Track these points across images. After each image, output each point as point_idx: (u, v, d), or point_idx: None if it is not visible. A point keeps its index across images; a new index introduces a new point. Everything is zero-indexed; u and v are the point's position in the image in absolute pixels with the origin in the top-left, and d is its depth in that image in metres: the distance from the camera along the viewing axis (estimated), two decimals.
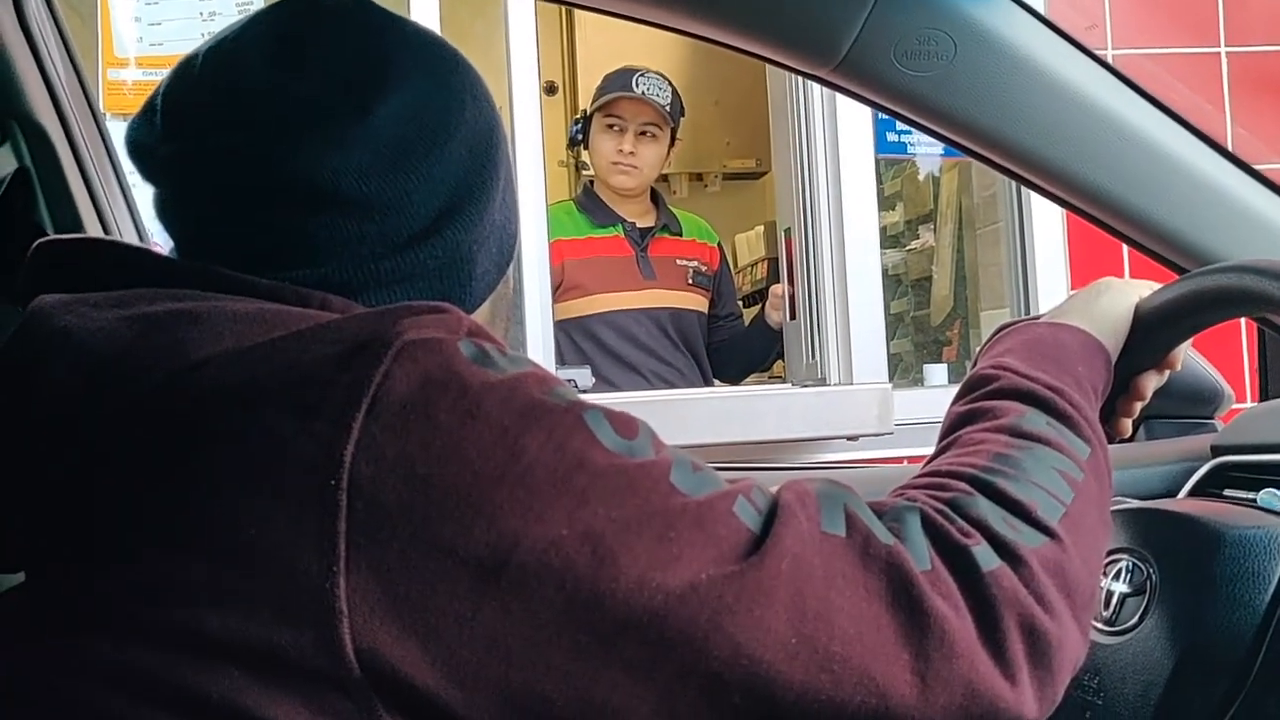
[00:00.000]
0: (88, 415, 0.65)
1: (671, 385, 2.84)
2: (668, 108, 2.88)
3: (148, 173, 0.75)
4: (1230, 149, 1.09)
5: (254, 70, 0.72)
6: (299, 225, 0.71)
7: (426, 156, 0.73)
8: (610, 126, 2.88)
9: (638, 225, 2.93)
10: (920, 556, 0.66)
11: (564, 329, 2.83)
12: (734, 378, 3.13)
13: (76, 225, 1.27)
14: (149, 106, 0.75)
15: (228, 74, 0.73)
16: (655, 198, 3.03)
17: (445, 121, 0.74)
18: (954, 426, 0.79)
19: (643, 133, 2.87)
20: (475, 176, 0.76)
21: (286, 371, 0.62)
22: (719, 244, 3.09)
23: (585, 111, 3.01)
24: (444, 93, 0.75)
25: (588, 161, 3.06)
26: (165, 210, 0.76)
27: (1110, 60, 1.07)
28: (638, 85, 2.87)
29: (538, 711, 0.61)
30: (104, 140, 1.40)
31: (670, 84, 2.94)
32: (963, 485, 0.71)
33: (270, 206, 0.71)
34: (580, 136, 2.99)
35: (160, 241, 0.92)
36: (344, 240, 0.71)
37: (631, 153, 2.86)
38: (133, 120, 0.76)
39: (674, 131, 2.92)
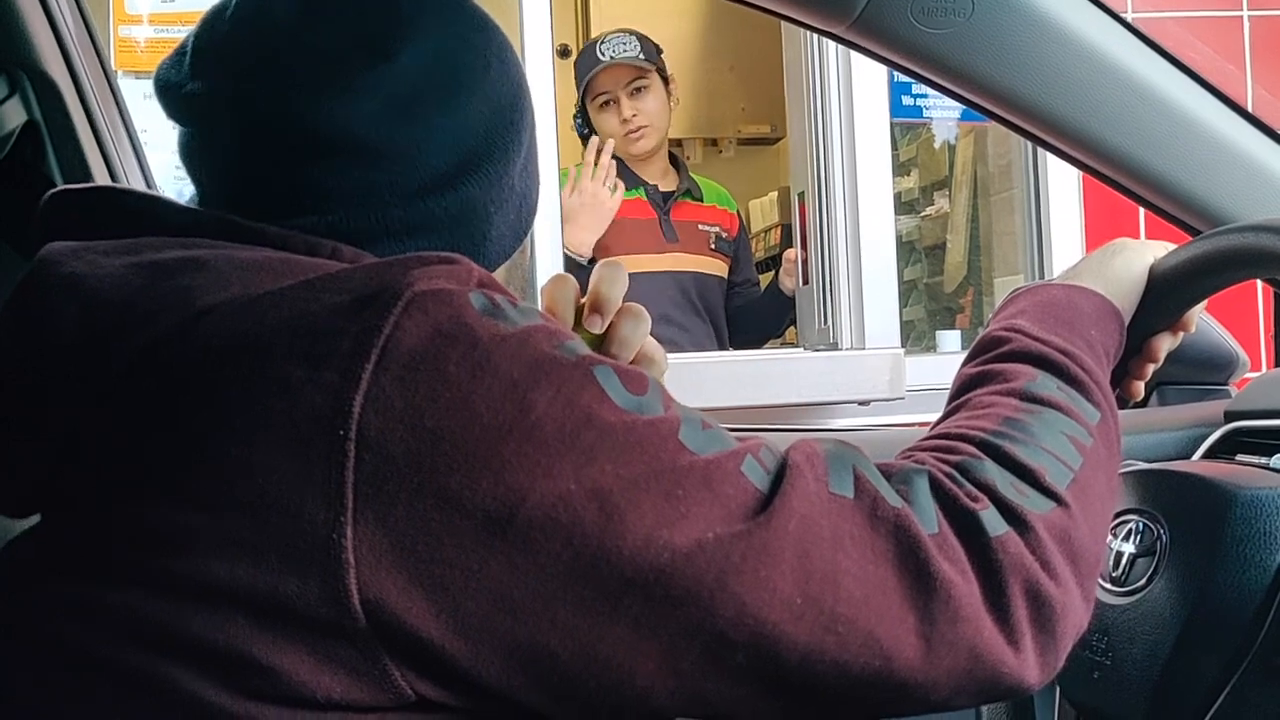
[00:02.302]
0: (96, 362, 0.65)
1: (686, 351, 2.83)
2: (641, 56, 2.85)
3: (171, 110, 0.76)
4: (1251, 111, 1.07)
5: (278, 16, 0.73)
6: (309, 171, 0.71)
7: (440, 108, 0.73)
8: (604, 105, 2.88)
9: (659, 188, 2.93)
10: (928, 520, 0.65)
11: None
12: (747, 346, 3.12)
13: (86, 179, 1.26)
14: (180, 49, 0.76)
15: (254, 18, 0.73)
16: (675, 162, 3.02)
17: (463, 77, 0.74)
18: (964, 388, 0.79)
19: (633, 91, 2.86)
20: (496, 137, 0.75)
21: (295, 320, 0.62)
22: (738, 211, 3.08)
23: (577, 107, 2.99)
24: (466, 50, 0.75)
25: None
26: (187, 152, 0.76)
27: (1131, 21, 1.05)
28: (604, 54, 2.85)
29: (542, 666, 0.61)
30: (114, 95, 1.40)
31: (634, 34, 2.90)
32: (971, 449, 0.70)
33: (283, 151, 0.71)
34: (586, 130, 2.97)
35: (169, 196, 0.91)
36: (353, 187, 0.71)
37: (634, 114, 2.85)
38: (163, 61, 0.77)
39: (662, 73, 2.89)
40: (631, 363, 0.82)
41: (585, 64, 2.90)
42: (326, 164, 0.71)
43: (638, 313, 0.83)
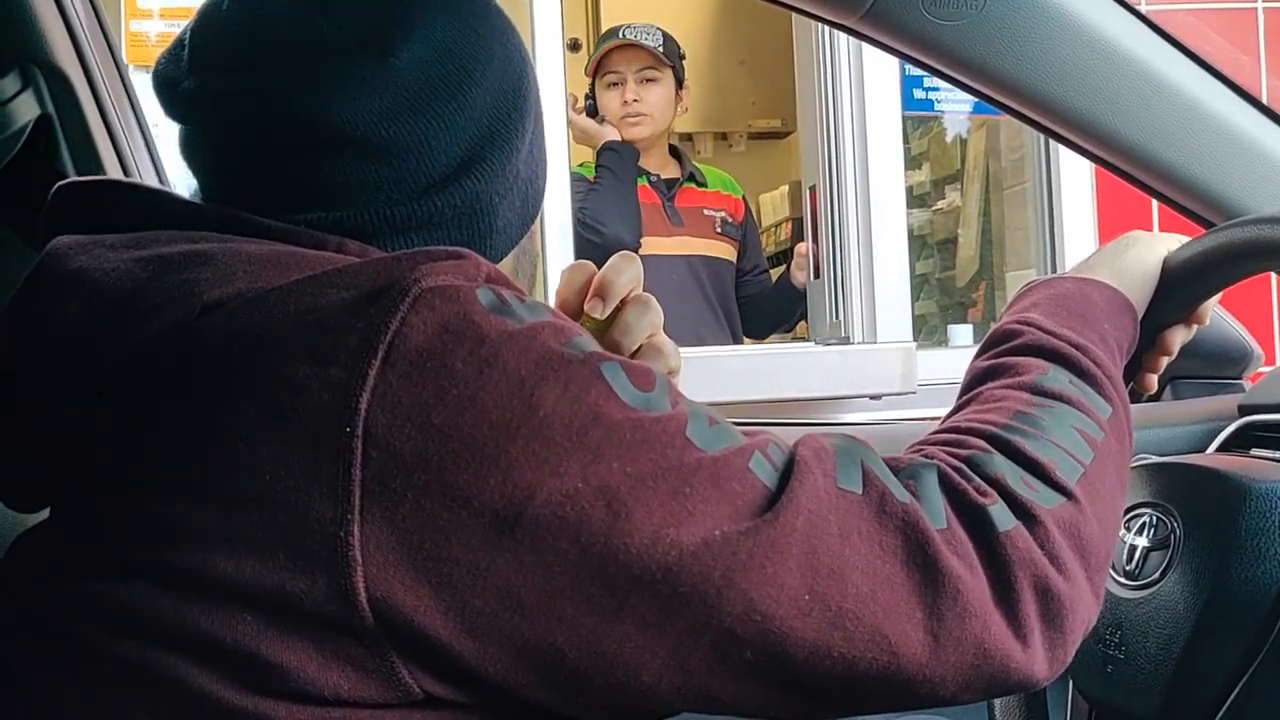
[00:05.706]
0: (102, 356, 0.65)
1: (700, 341, 2.83)
2: (659, 48, 2.89)
3: (171, 108, 0.75)
4: (1265, 102, 1.07)
5: (278, 8, 0.71)
6: (315, 167, 0.70)
7: (449, 102, 0.72)
8: (612, 84, 2.90)
9: (662, 176, 2.94)
10: (936, 515, 0.65)
11: None
12: (758, 335, 3.13)
13: (98, 173, 1.26)
14: (178, 43, 0.75)
15: (253, 12, 0.72)
16: (676, 154, 3.02)
17: (470, 68, 0.73)
18: (975, 381, 0.78)
19: (643, 79, 2.88)
20: (500, 126, 0.74)
21: (302, 316, 0.62)
22: (744, 196, 3.08)
23: (589, 86, 3.01)
24: (471, 38, 0.74)
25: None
26: (189, 149, 0.75)
27: (1144, 12, 1.05)
28: (624, 34, 2.89)
29: (549, 663, 0.61)
30: (127, 89, 1.40)
31: (660, 30, 2.94)
32: (981, 443, 0.70)
33: (288, 147, 0.70)
34: (592, 105, 2.98)
35: (177, 190, 0.91)
36: (360, 184, 0.71)
37: (636, 100, 2.87)
38: (161, 55, 0.75)
39: (677, 73, 2.93)
40: (637, 354, 0.81)
41: (603, 41, 2.95)
42: (332, 160, 0.70)
43: (645, 301, 0.82)
